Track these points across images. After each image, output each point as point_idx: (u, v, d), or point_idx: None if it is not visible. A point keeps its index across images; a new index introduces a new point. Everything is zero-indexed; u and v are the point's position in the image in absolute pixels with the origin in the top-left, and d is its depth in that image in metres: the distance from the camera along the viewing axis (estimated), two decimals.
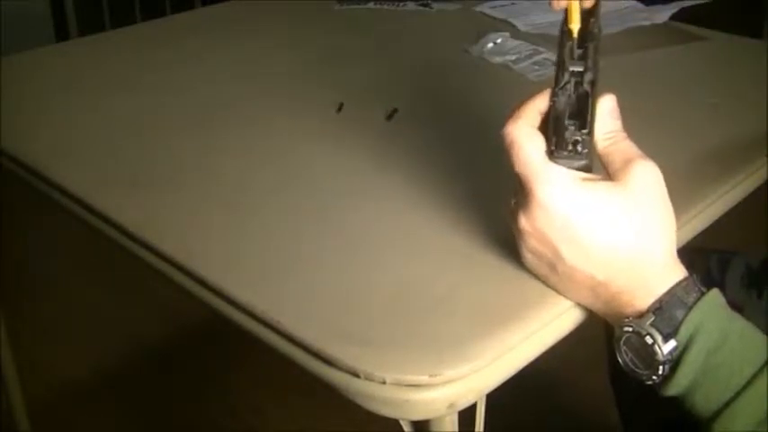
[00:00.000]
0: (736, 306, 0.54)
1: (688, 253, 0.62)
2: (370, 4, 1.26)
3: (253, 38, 1.13)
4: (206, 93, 0.94)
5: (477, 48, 1.07)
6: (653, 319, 0.52)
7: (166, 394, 1.58)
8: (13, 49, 1.10)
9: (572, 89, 0.57)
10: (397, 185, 0.73)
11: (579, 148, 0.54)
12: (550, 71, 0.89)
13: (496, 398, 0.56)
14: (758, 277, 0.83)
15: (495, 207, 0.61)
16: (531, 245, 0.56)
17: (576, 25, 0.58)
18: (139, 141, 0.83)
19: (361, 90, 0.94)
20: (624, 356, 0.54)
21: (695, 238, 0.69)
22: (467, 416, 0.56)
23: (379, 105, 0.88)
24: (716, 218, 0.71)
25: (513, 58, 1.03)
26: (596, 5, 0.61)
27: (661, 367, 0.52)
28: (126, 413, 1.54)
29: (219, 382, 1.61)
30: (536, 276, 0.58)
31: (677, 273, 0.54)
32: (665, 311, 0.52)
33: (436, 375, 0.51)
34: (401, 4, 1.26)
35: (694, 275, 0.54)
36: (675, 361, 0.52)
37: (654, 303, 0.53)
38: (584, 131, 0.55)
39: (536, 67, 1.00)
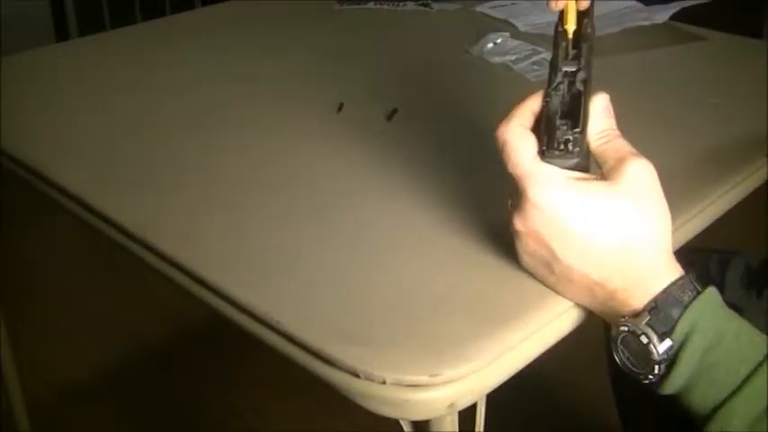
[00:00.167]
0: (735, 306, 0.54)
1: (688, 253, 0.62)
2: (370, 4, 1.27)
3: (253, 38, 1.13)
4: (206, 93, 0.94)
5: (477, 48, 1.07)
6: (648, 318, 0.52)
7: (166, 394, 1.58)
8: (13, 49, 1.10)
9: (565, 89, 0.57)
10: (396, 185, 0.73)
11: (571, 146, 0.54)
12: None
13: (496, 398, 0.56)
14: (758, 277, 0.83)
15: (496, 207, 0.61)
16: (527, 246, 0.56)
17: (571, 26, 0.58)
18: (139, 141, 0.83)
19: (361, 90, 0.94)
20: (621, 356, 0.54)
21: (695, 238, 0.69)
22: (467, 416, 0.56)
23: (379, 105, 0.88)
24: (716, 218, 0.71)
25: (513, 58, 1.03)
26: (590, 7, 0.61)
27: (657, 366, 0.52)
28: (126, 413, 1.54)
29: (220, 382, 1.61)
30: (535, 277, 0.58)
31: (673, 271, 0.54)
32: (661, 310, 0.52)
33: (436, 375, 0.51)
34: (401, 4, 1.26)
35: (690, 274, 0.54)
36: (671, 360, 0.52)
37: (649, 302, 0.53)
38: (576, 130, 0.55)
39: (536, 68, 1.00)
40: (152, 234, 0.66)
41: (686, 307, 0.52)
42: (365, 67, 1.01)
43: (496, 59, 1.03)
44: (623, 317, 0.54)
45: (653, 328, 0.52)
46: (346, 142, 0.81)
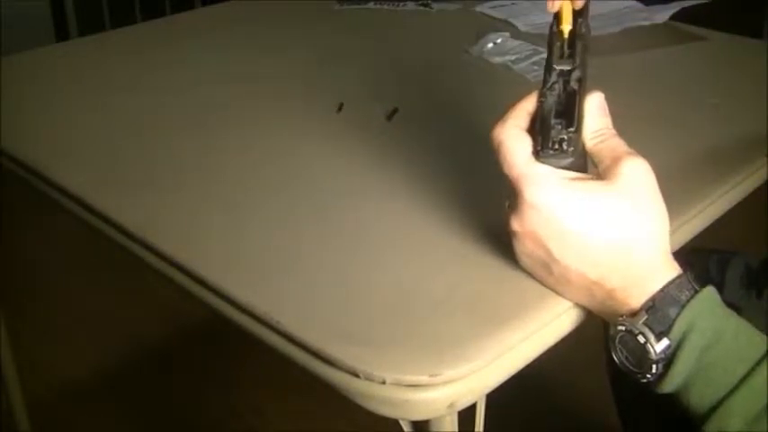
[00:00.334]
0: (735, 306, 0.54)
1: (687, 253, 0.62)
2: (370, 4, 1.27)
3: (253, 38, 1.13)
4: (206, 93, 0.94)
5: (477, 48, 1.07)
6: (646, 317, 0.52)
7: (166, 394, 1.58)
8: (13, 49, 1.10)
9: (560, 88, 0.57)
10: (397, 185, 0.73)
11: (565, 146, 0.54)
12: None
13: (496, 398, 0.56)
14: (758, 277, 0.83)
15: (495, 207, 0.61)
16: (524, 247, 0.56)
17: (567, 26, 0.58)
18: (139, 141, 0.83)
19: (361, 90, 0.94)
20: (619, 355, 0.54)
21: (695, 238, 0.69)
22: (467, 416, 0.56)
23: (379, 105, 0.88)
24: (716, 218, 0.71)
25: (513, 58, 1.03)
26: (585, 6, 0.61)
27: (655, 366, 0.52)
28: (126, 413, 1.54)
29: (220, 382, 1.61)
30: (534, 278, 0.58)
31: (671, 271, 0.54)
32: (659, 310, 0.52)
33: (436, 375, 0.51)
34: (401, 4, 1.26)
35: (688, 273, 0.54)
36: (669, 359, 0.52)
37: (647, 302, 0.53)
38: (571, 129, 0.55)
39: (536, 68, 1.00)
40: (152, 234, 0.66)
41: (684, 306, 0.52)
42: (365, 67, 1.01)
43: (496, 59, 1.03)
44: (621, 316, 0.54)
45: (650, 328, 0.52)
46: (346, 142, 0.81)
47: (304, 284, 0.60)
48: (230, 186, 0.74)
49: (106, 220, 0.70)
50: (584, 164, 0.56)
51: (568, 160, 0.55)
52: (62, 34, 2.76)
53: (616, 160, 0.54)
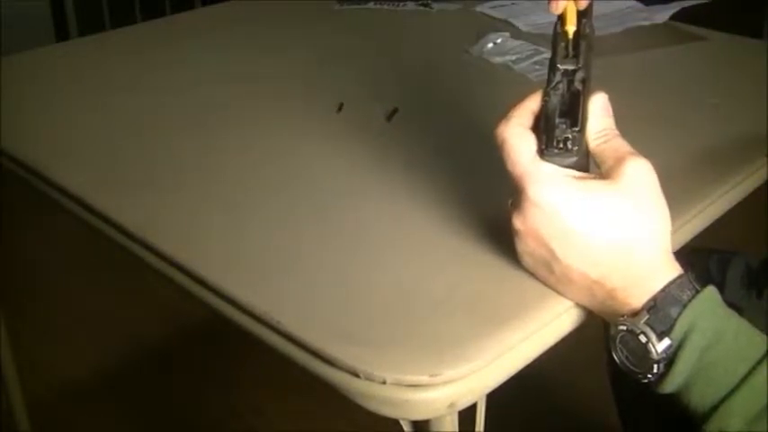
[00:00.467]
0: (735, 306, 0.54)
1: (688, 253, 0.62)
2: (370, 4, 1.27)
3: (253, 38, 1.13)
4: (206, 93, 0.94)
5: (478, 48, 1.07)
6: (647, 317, 0.52)
7: (166, 394, 1.58)
8: (13, 49, 1.10)
9: (564, 88, 0.57)
10: (397, 185, 0.73)
11: (570, 145, 0.55)
12: None
13: (496, 398, 0.56)
14: (758, 277, 0.83)
15: (496, 207, 0.61)
16: (526, 245, 0.56)
17: (571, 27, 0.58)
18: (139, 141, 0.83)
19: (361, 90, 0.94)
20: (620, 355, 0.54)
21: (695, 238, 0.69)
22: (467, 416, 0.56)
23: (379, 105, 0.88)
24: (716, 218, 0.71)
25: (514, 58, 1.03)
26: (589, 7, 0.61)
27: (656, 365, 0.52)
28: (126, 413, 1.54)
29: (220, 382, 1.61)
30: (535, 277, 0.58)
31: (672, 270, 0.54)
32: (660, 309, 0.52)
33: (436, 375, 0.51)
34: (401, 4, 1.26)
35: (689, 273, 0.54)
36: (670, 359, 0.52)
37: (648, 301, 0.53)
38: (575, 129, 0.55)
39: (537, 67, 1.00)
40: (152, 234, 0.66)
41: (685, 306, 0.52)
42: (365, 67, 1.01)
43: (497, 59, 1.03)
44: (622, 316, 0.54)
45: (652, 327, 0.52)
46: (346, 142, 0.81)
47: (304, 284, 0.60)
48: (230, 186, 0.74)
49: (106, 220, 0.70)
50: (587, 164, 0.57)
51: (572, 159, 0.55)
52: (62, 34, 2.76)
53: (619, 160, 0.54)
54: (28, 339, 1.51)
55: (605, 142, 0.56)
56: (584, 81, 0.57)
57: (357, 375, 0.51)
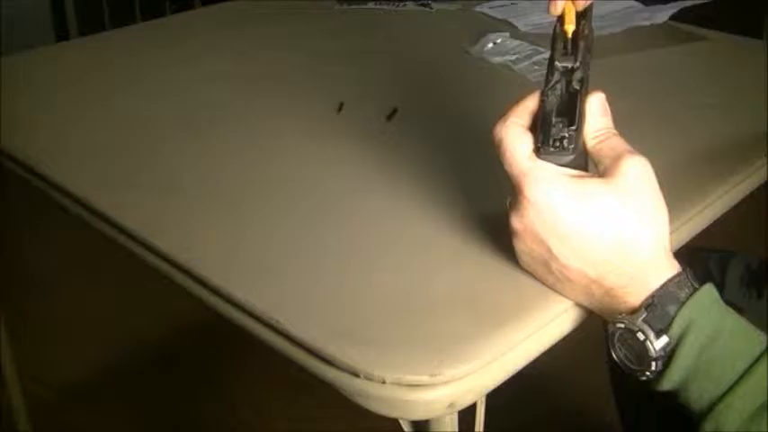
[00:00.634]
0: (735, 306, 0.54)
1: (688, 253, 0.62)
2: (370, 4, 1.27)
3: (252, 38, 1.13)
4: (206, 93, 0.94)
5: (477, 48, 1.07)
6: (645, 315, 0.52)
7: (166, 394, 1.58)
8: (13, 49, 1.10)
9: (563, 88, 0.57)
10: (397, 185, 0.73)
11: (566, 143, 0.55)
12: None
13: (496, 398, 0.56)
14: (758, 277, 0.83)
15: (495, 207, 0.61)
16: (524, 245, 0.56)
17: (571, 27, 0.59)
18: (139, 141, 0.83)
19: (361, 90, 0.94)
20: (618, 353, 0.55)
21: (695, 238, 0.69)
22: (467, 416, 0.56)
23: (379, 105, 0.88)
24: (716, 218, 0.71)
25: (514, 58, 1.03)
26: (588, 8, 0.61)
27: (654, 363, 0.52)
28: (126, 413, 1.54)
29: (219, 381, 1.61)
30: (533, 276, 0.58)
31: (670, 268, 0.54)
32: (658, 307, 0.52)
33: (436, 375, 0.51)
34: (401, 4, 1.26)
35: (688, 271, 0.54)
36: (668, 356, 0.52)
37: (646, 299, 0.53)
38: (572, 128, 0.55)
39: (536, 67, 1.00)
40: (152, 234, 0.66)
41: (683, 304, 0.52)
42: (365, 67, 1.01)
43: (497, 59, 1.03)
44: (620, 314, 0.54)
45: (649, 325, 0.52)
46: (346, 142, 0.81)
47: (304, 284, 0.60)
48: (230, 186, 0.74)
49: (106, 220, 0.70)
50: (584, 163, 0.57)
51: (569, 158, 0.55)
52: (62, 34, 2.76)
53: (617, 159, 0.54)
54: (28, 339, 1.51)
55: (603, 141, 0.56)
56: (582, 81, 0.57)
57: (357, 375, 0.51)
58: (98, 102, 0.93)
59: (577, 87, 0.57)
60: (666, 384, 0.53)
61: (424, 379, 0.51)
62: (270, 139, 0.83)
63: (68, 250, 1.99)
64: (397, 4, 1.26)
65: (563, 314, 0.57)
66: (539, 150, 0.55)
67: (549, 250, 0.54)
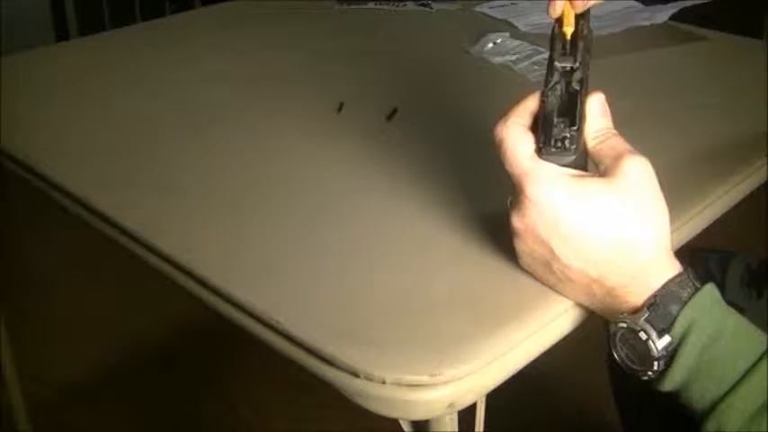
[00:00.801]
0: (736, 306, 0.54)
1: (688, 253, 0.62)
2: (370, 4, 1.27)
3: (252, 38, 1.13)
4: (206, 93, 0.94)
5: (478, 48, 1.07)
6: (647, 314, 0.52)
7: (166, 394, 1.58)
8: (13, 49, 1.10)
9: (563, 88, 0.57)
10: (397, 185, 0.73)
11: (567, 143, 0.55)
12: None
13: (496, 398, 0.56)
14: (758, 277, 0.83)
15: (496, 207, 0.61)
16: (525, 245, 0.56)
17: (569, 28, 0.59)
18: (139, 141, 0.83)
19: (361, 90, 0.94)
20: (620, 353, 0.55)
21: (695, 238, 0.69)
22: (467, 416, 0.56)
23: (379, 105, 0.88)
24: (716, 218, 0.72)
25: (514, 58, 1.03)
26: (587, 9, 0.61)
27: (656, 363, 0.52)
28: (126, 413, 1.54)
29: (219, 381, 1.61)
30: (534, 276, 0.58)
31: (672, 268, 0.54)
32: (660, 307, 0.52)
33: (436, 375, 0.51)
34: (401, 4, 1.26)
35: (689, 270, 0.54)
36: (670, 356, 0.52)
37: (648, 299, 0.53)
38: (573, 128, 0.55)
39: (536, 67, 1.00)
40: (152, 234, 0.66)
41: (685, 303, 0.52)
42: (365, 67, 1.01)
43: (497, 59, 1.03)
44: (622, 314, 0.54)
45: (652, 325, 0.52)
46: (346, 142, 0.81)
47: (304, 284, 0.60)
48: (230, 186, 0.74)
49: (106, 220, 0.70)
50: (585, 163, 0.57)
51: (570, 158, 0.55)
52: (62, 34, 2.76)
53: (617, 159, 0.55)
54: (28, 339, 1.51)
55: (603, 141, 0.56)
56: (581, 81, 0.57)
57: (356, 375, 0.51)
58: (98, 102, 0.93)
59: (577, 88, 0.57)
60: (668, 384, 0.53)
61: (424, 379, 0.51)
62: (270, 139, 0.83)
63: (68, 250, 1.99)
64: (397, 4, 1.26)
65: (563, 314, 0.57)
66: (540, 151, 0.55)
67: (551, 250, 0.54)
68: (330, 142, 0.82)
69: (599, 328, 0.59)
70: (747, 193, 0.76)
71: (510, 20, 1.18)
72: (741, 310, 0.54)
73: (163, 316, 1.75)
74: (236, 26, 1.19)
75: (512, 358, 0.54)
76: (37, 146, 0.83)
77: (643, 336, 0.52)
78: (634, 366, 0.54)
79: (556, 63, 0.58)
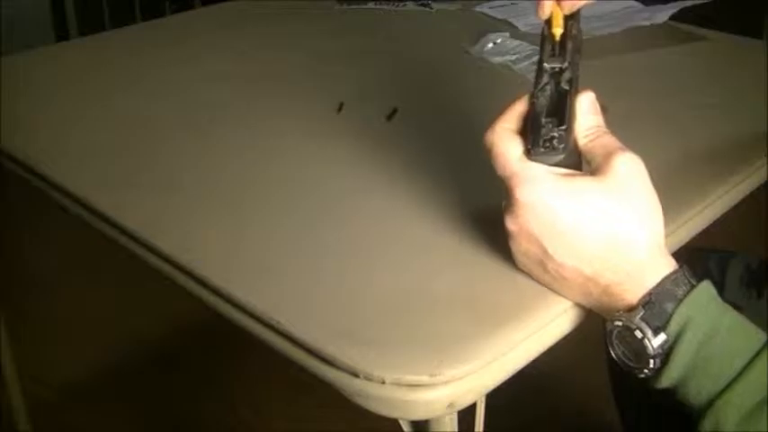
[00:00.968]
0: (735, 306, 0.54)
1: (688, 253, 0.62)
2: (370, 4, 1.27)
3: (252, 38, 1.13)
4: (206, 93, 0.94)
5: (478, 48, 1.07)
6: (642, 312, 0.52)
7: (166, 394, 1.58)
8: (13, 49, 1.10)
9: (552, 89, 0.57)
10: (396, 185, 0.73)
11: (556, 143, 0.55)
12: None
13: (496, 398, 0.56)
14: (758, 277, 0.83)
15: (495, 207, 0.61)
16: (519, 245, 0.56)
17: (559, 30, 0.59)
18: (139, 141, 0.83)
19: (361, 90, 0.94)
20: (617, 350, 0.55)
21: (695, 239, 0.69)
22: (467, 416, 0.56)
23: (379, 105, 0.88)
24: (716, 218, 0.71)
25: (513, 58, 1.03)
26: (576, 10, 0.62)
27: (652, 360, 0.53)
28: (126, 413, 1.54)
29: (219, 381, 1.61)
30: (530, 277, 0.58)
31: (667, 265, 0.54)
32: (656, 305, 0.52)
33: (436, 375, 0.51)
34: (401, 4, 1.26)
35: (685, 268, 0.54)
36: (666, 354, 0.52)
37: (644, 297, 0.53)
38: (562, 128, 0.55)
39: (536, 67, 1.00)
40: (152, 234, 0.66)
41: (680, 301, 0.52)
42: (365, 67, 1.01)
43: (497, 59, 1.03)
44: (618, 311, 0.54)
45: (647, 323, 0.52)
46: (346, 142, 0.81)
47: (304, 284, 0.60)
48: (230, 186, 0.74)
49: (106, 220, 0.70)
50: (577, 162, 0.57)
51: (559, 157, 0.55)
52: (62, 34, 2.76)
53: (608, 156, 0.55)
54: (28, 339, 1.51)
55: (594, 139, 0.56)
56: (570, 81, 0.57)
57: (356, 375, 0.51)
58: (98, 102, 0.93)
59: (566, 88, 0.57)
60: (665, 382, 0.53)
61: (424, 379, 0.51)
62: (270, 139, 0.83)
63: (68, 250, 1.99)
64: (397, 4, 1.26)
65: (563, 314, 0.57)
66: (529, 152, 0.55)
67: (544, 250, 0.55)
68: (330, 142, 0.82)
69: (598, 328, 0.59)
70: (747, 193, 0.75)
71: (510, 20, 1.18)
72: (740, 310, 0.54)
73: (163, 316, 1.76)
74: (236, 26, 1.19)
75: (511, 358, 0.54)
76: (37, 146, 0.83)
77: (639, 334, 0.52)
78: (631, 364, 0.54)
79: (545, 64, 0.59)
